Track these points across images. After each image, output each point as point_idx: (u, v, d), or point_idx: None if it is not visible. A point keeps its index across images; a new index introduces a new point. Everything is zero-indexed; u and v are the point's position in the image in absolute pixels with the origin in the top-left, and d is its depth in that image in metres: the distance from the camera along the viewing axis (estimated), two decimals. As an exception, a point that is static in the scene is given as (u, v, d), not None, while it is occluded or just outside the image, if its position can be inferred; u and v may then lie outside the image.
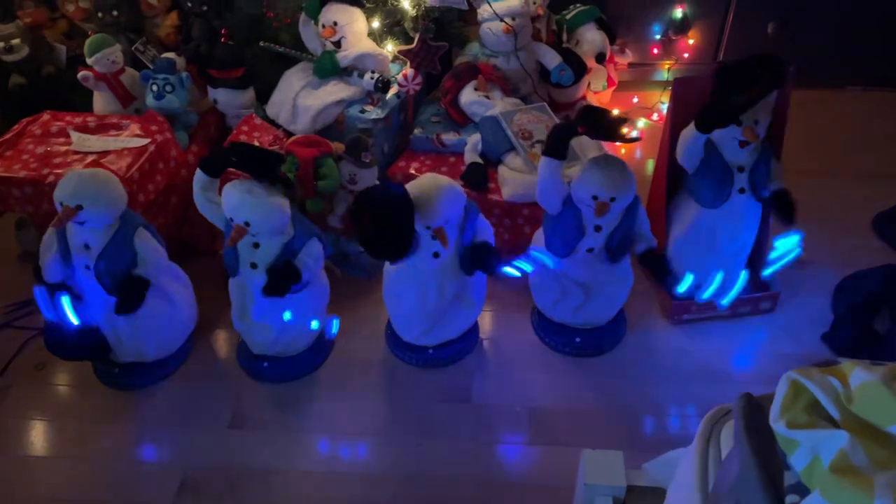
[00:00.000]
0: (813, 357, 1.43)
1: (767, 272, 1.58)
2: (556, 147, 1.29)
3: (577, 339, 1.51)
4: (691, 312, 1.57)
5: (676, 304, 1.56)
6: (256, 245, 1.34)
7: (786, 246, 1.55)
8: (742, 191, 1.48)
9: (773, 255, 1.56)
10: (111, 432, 1.42)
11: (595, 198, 1.29)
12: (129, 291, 1.36)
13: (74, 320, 1.38)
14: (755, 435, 0.62)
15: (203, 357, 1.57)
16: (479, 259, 1.37)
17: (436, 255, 1.35)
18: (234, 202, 1.28)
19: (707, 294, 1.52)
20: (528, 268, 1.45)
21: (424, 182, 1.29)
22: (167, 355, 1.52)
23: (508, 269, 1.42)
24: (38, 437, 1.43)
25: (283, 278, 1.33)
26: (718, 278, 1.52)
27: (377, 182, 1.69)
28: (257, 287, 1.37)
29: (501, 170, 1.67)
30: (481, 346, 1.55)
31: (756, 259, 1.60)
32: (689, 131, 1.43)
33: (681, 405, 1.40)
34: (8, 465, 1.36)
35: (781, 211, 1.46)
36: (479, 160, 1.71)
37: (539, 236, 1.48)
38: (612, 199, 1.28)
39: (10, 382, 1.53)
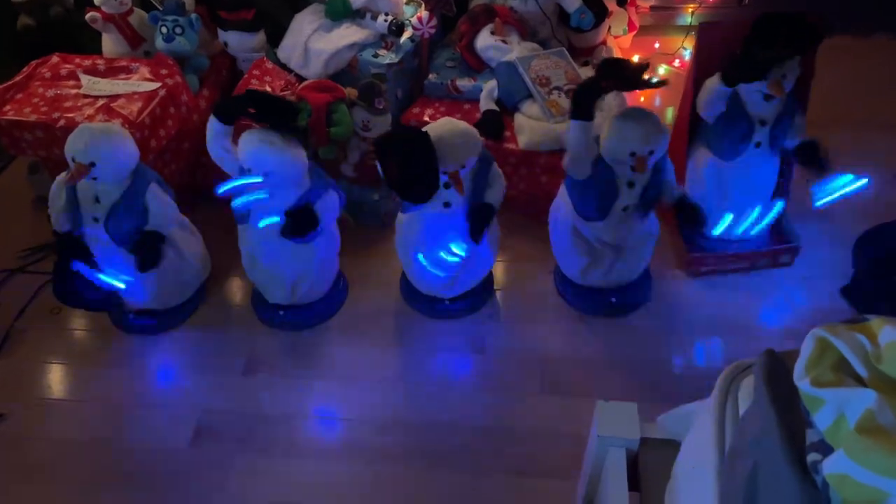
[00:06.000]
0: (832, 311, 1.40)
1: (821, 202, 1.44)
2: (584, 108, 1.25)
3: (613, 299, 1.48)
4: (709, 265, 1.55)
5: (694, 256, 1.54)
6: (272, 195, 1.32)
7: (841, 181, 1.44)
8: (758, 145, 1.44)
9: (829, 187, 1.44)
10: (127, 376, 1.44)
11: (633, 153, 1.25)
12: (148, 248, 1.35)
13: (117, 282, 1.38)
14: (777, 392, 0.60)
15: (217, 303, 1.57)
16: (473, 220, 1.33)
17: (446, 204, 1.33)
18: (252, 152, 1.26)
19: (719, 230, 1.49)
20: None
21: (442, 125, 1.26)
22: (178, 304, 1.52)
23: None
24: (54, 380, 1.45)
25: (302, 221, 1.31)
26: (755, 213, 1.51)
27: (390, 129, 1.66)
28: (268, 236, 1.36)
29: (518, 117, 1.63)
30: (496, 298, 1.54)
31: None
32: (714, 82, 1.39)
33: (697, 358, 1.39)
34: (25, 408, 1.39)
35: (809, 162, 1.42)
36: (495, 107, 1.66)
37: (559, 203, 1.43)
38: (651, 153, 1.25)
39: (26, 326, 1.54)
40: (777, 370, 0.63)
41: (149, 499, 1.23)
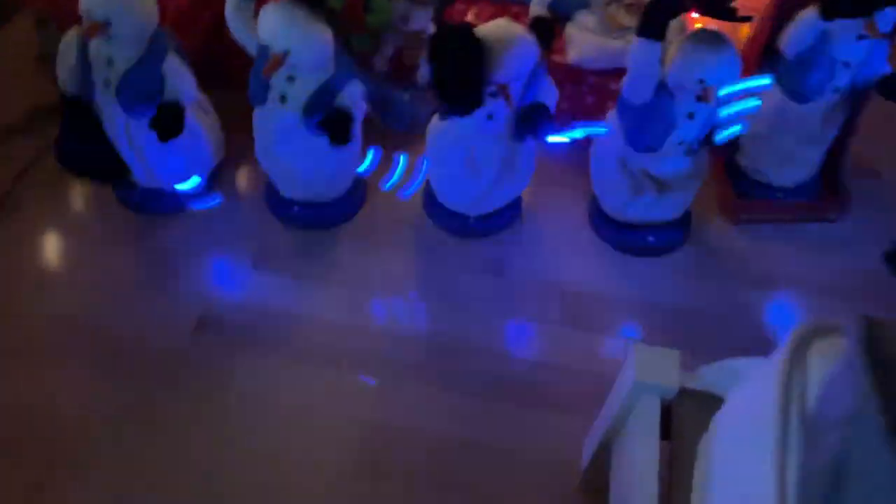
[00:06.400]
0: (874, 274, 1.35)
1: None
2: (656, 27, 1.12)
3: (650, 238, 1.38)
4: (751, 212, 1.46)
5: (738, 202, 1.45)
6: (291, 78, 1.21)
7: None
8: (836, 90, 1.33)
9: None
10: (128, 256, 1.36)
11: (702, 81, 1.14)
12: (168, 119, 1.23)
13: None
14: (877, 365, 0.53)
15: (229, 191, 1.47)
16: (528, 118, 1.23)
17: (489, 117, 1.23)
18: (274, 27, 1.15)
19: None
20: (578, 134, 1.30)
21: (496, 29, 1.14)
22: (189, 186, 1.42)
23: (557, 138, 1.25)
24: (51, 252, 1.37)
25: (341, 126, 1.22)
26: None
27: (431, 24, 1.52)
28: (284, 124, 1.26)
29: (570, 28, 1.50)
30: (523, 221, 1.45)
31: (832, 163, 1.47)
32: (808, 16, 1.27)
33: (730, 309, 1.32)
34: (18, 280, 1.32)
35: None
36: (547, 14, 1.52)
37: (610, 124, 1.31)
38: (721, 82, 1.14)
39: (25, 193, 1.45)
40: (877, 340, 0.55)
41: (147, 388, 1.18)
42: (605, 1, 1.47)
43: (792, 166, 1.43)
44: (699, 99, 1.17)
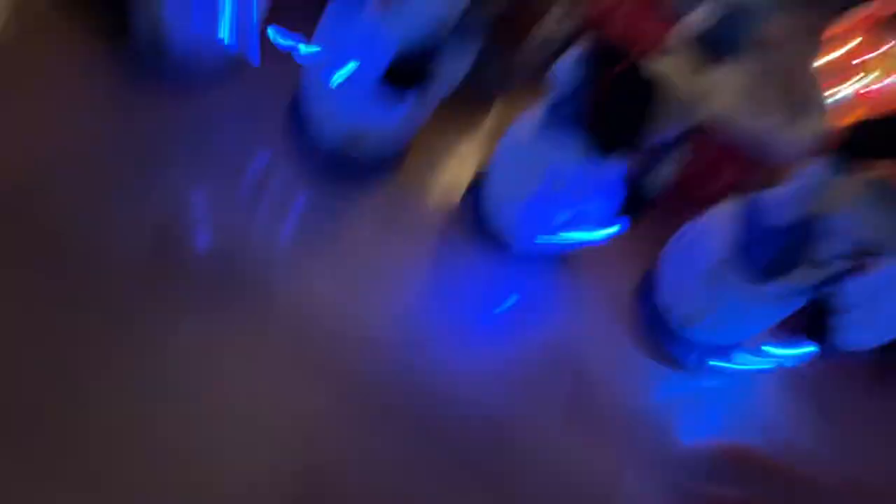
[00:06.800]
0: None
1: None
2: (857, 157, 0.86)
3: (694, 356, 1.17)
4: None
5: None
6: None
7: None
8: None
9: None
10: (107, 129, 1.06)
11: (857, 247, 0.90)
12: None
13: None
14: None
15: (262, 83, 1.13)
16: (628, 206, 1.03)
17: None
18: None
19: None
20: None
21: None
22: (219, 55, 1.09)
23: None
24: (30, 103, 1.05)
25: (407, 75, 0.95)
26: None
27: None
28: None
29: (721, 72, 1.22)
30: (562, 276, 1.21)
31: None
32: None
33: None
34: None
35: None
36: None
37: (709, 227, 1.08)
38: (879, 255, 0.91)
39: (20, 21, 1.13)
40: None
41: (77, 314, 0.94)
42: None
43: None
44: (844, 259, 0.93)
